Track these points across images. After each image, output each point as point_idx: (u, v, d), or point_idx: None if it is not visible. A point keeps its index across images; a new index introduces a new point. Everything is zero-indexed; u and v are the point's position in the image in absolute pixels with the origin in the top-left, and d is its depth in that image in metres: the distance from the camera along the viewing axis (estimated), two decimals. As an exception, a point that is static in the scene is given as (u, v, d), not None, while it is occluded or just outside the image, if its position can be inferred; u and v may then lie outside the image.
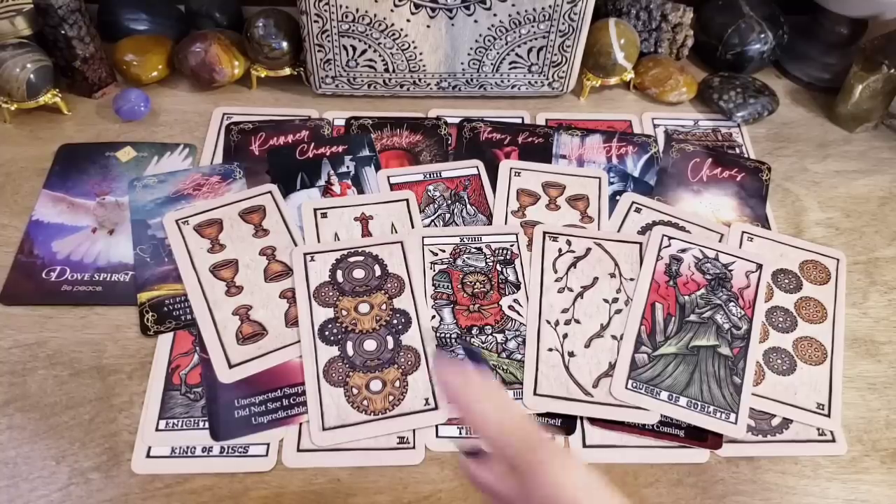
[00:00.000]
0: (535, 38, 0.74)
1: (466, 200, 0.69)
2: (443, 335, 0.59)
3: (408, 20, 0.71)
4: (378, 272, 0.62)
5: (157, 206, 0.67)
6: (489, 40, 0.74)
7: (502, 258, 0.64)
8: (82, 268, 0.62)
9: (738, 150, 0.76)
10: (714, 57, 0.83)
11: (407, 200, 0.68)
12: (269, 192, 0.68)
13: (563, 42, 0.74)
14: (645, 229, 0.67)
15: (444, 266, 0.63)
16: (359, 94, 0.78)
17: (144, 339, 0.59)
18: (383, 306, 0.60)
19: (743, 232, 0.67)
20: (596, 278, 0.63)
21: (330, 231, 0.65)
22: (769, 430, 0.56)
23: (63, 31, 0.71)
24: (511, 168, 0.71)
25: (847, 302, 0.64)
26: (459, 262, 0.63)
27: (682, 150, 0.75)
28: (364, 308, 0.60)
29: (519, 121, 0.78)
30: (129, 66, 0.77)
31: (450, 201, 0.68)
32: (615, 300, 0.61)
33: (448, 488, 0.52)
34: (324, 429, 0.54)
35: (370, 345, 0.58)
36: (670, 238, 0.65)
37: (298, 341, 0.58)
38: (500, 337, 0.59)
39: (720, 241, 0.67)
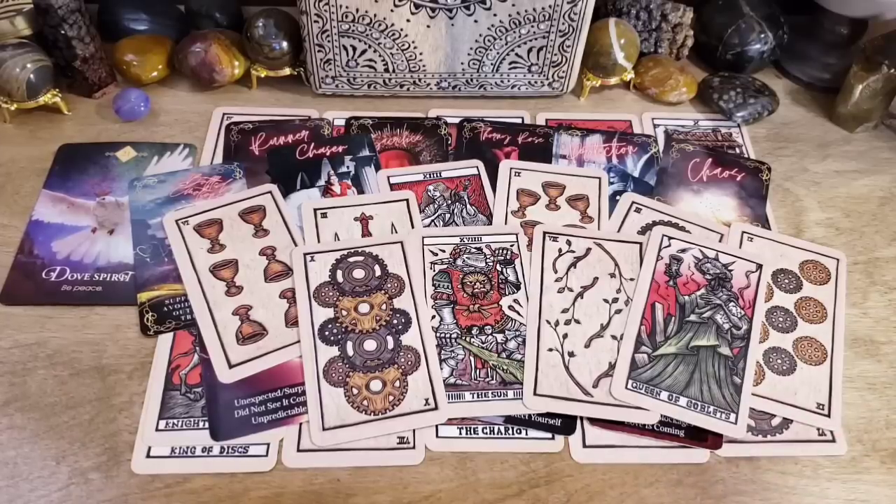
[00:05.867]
0: (535, 38, 0.74)
1: (466, 200, 0.69)
2: (443, 335, 0.59)
3: (408, 20, 0.71)
4: (378, 272, 0.62)
5: (157, 206, 0.67)
6: (489, 40, 0.74)
7: (502, 258, 0.64)
8: (82, 268, 0.62)
9: (738, 150, 0.76)
10: (714, 57, 0.83)
11: (407, 200, 0.68)
12: (269, 192, 0.68)
13: (563, 42, 0.74)
14: (645, 229, 0.67)
15: (444, 266, 0.63)
16: (359, 94, 0.78)
17: (144, 339, 0.59)
18: (383, 306, 0.60)
19: (743, 232, 0.67)
20: (596, 278, 0.63)
21: (330, 231, 0.65)
22: (769, 430, 0.56)
23: (63, 31, 0.71)
24: (511, 168, 0.71)
25: (847, 302, 0.64)
26: (459, 262, 0.63)
27: (682, 150, 0.75)
28: (364, 308, 0.60)
29: (519, 121, 0.78)
30: (129, 66, 0.77)
31: (450, 201, 0.68)
32: (615, 300, 0.61)
33: (448, 488, 0.52)
34: (324, 429, 0.54)
35: (370, 345, 0.58)
36: (670, 238, 0.65)
37: (298, 341, 0.58)
38: (500, 337, 0.59)
39: (720, 241, 0.67)
